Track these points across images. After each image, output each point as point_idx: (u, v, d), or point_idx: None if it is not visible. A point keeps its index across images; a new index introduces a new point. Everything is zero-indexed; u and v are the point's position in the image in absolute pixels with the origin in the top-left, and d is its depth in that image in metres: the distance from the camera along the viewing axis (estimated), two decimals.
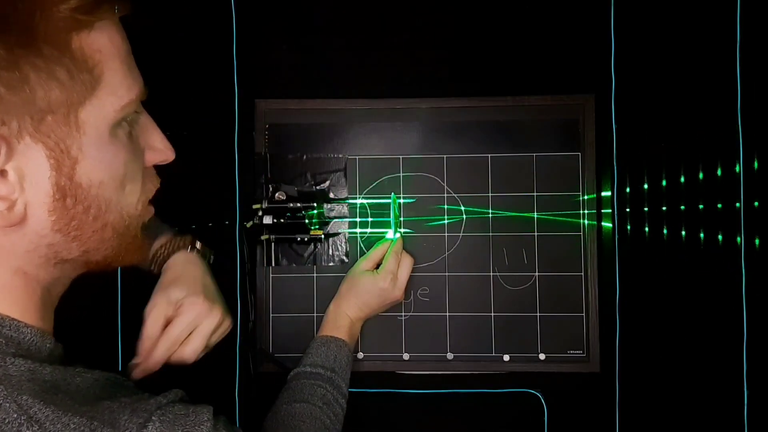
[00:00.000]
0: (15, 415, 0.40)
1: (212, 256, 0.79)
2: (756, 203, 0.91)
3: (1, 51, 0.39)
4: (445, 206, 0.95)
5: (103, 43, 0.44)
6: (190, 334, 0.68)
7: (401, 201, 0.94)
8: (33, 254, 0.46)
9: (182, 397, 0.50)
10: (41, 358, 0.46)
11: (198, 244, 0.76)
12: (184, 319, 0.67)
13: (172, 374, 0.95)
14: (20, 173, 0.42)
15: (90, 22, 0.43)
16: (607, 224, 0.95)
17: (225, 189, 0.96)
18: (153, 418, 0.44)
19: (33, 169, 0.43)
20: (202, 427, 0.47)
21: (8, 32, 0.39)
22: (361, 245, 0.96)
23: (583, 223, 0.94)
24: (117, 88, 0.45)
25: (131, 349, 0.93)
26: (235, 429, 0.51)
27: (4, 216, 0.43)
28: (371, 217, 0.95)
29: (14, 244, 0.45)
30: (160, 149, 0.53)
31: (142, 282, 0.96)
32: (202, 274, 0.72)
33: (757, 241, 0.90)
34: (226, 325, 0.71)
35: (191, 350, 0.67)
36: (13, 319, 0.46)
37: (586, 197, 0.94)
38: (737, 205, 0.92)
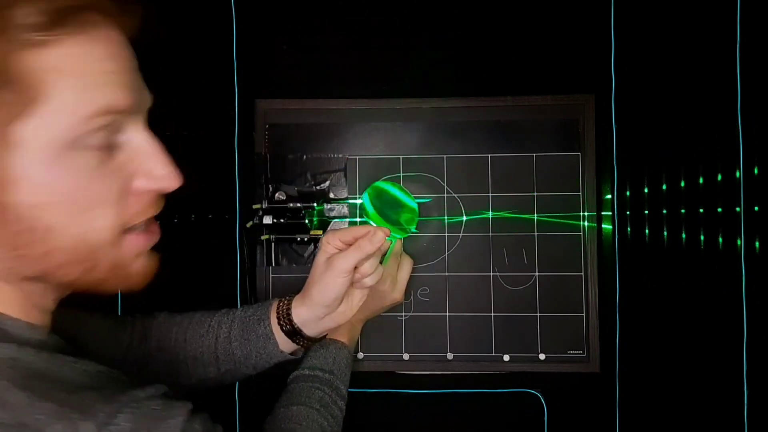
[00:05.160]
0: None
1: None
2: (756, 207, 0.91)
3: None
4: (445, 206, 0.95)
5: (59, 60, 0.41)
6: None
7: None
8: None
9: (165, 393, 0.48)
10: (26, 347, 0.45)
11: None
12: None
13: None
14: None
15: (44, 41, 0.40)
16: (607, 226, 0.95)
17: (225, 189, 0.96)
18: (126, 409, 0.43)
19: None
20: (173, 420, 0.44)
21: None
22: None
23: (583, 225, 0.94)
24: (69, 105, 0.41)
25: None
26: (216, 427, 0.48)
27: None
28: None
29: None
30: (156, 176, 0.48)
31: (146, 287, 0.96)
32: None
33: (757, 244, 0.90)
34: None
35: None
36: None
37: (586, 198, 0.94)
38: (737, 209, 0.92)
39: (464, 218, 0.95)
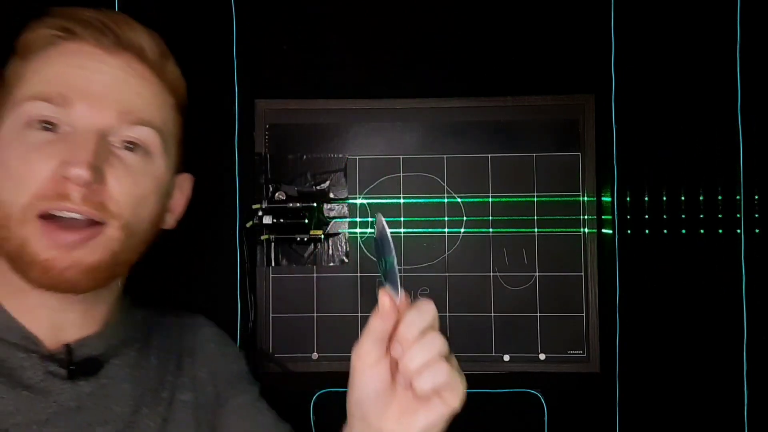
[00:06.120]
0: None
1: None
2: (756, 214, 0.91)
3: None
4: (445, 206, 0.95)
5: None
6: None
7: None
8: None
9: None
10: None
11: None
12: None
13: None
14: None
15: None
16: (607, 231, 0.94)
17: (225, 189, 0.96)
18: None
19: None
20: None
21: None
22: (361, 245, 0.96)
23: (583, 226, 0.94)
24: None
25: None
26: None
27: None
28: (371, 217, 0.96)
29: None
30: (67, 161, 0.49)
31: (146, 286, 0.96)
32: None
33: (757, 244, 0.90)
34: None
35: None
36: None
37: (586, 198, 0.94)
38: (738, 214, 0.92)
39: (464, 218, 0.95)
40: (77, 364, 0.54)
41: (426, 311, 0.47)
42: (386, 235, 0.48)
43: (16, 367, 0.52)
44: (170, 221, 0.62)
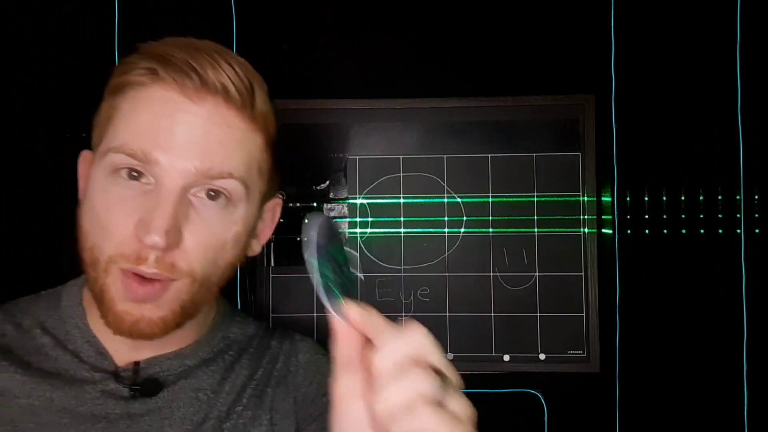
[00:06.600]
0: None
1: None
2: (756, 214, 0.91)
3: None
4: (445, 206, 0.95)
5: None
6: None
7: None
8: None
9: None
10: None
11: None
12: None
13: None
14: None
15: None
16: (607, 231, 0.95)
17: None
18: None
19: None
20: None
21: None
22: (362, 245, 0.96)
23: (583, 226, 0.94)
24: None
25: None
26: None
27: None
28: (371, 217, 0.96)
29: None
30: (143, 224, 0.49)
31: None
32: None
33: (757, 244, 0.90)
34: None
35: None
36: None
37: (586, 198, 0.94)
38: (738, 214, 0.92)
39: (464, 218, 0.95)
40: (139, 384, 0.54)
41: (408, 339, 0.37)
42: (312, 235, 0.40)
43: (79, 381, 0.54)
44: (256, 248, 0.60)
